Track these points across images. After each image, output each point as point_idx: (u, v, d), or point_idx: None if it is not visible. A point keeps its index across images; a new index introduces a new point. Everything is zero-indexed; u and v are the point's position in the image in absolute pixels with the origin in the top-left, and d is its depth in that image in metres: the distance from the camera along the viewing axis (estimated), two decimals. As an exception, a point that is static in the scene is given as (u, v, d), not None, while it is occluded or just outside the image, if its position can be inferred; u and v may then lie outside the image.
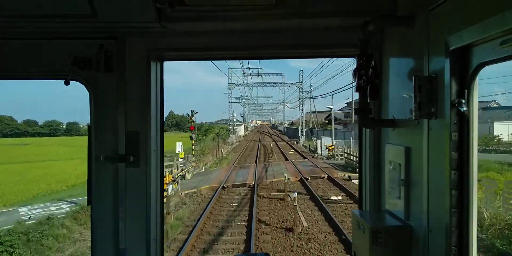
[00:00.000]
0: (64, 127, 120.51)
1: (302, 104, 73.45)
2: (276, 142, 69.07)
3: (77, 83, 2.62)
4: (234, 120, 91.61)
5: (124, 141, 2.58)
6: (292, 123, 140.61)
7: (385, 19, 2.18)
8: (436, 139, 1.82)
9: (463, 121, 1.66)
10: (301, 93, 73.38)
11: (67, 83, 2.51)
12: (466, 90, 1.65)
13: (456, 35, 1.63)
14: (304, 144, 63.45)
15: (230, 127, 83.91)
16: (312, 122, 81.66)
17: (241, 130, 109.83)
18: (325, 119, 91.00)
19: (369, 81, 2.27)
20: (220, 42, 2.67)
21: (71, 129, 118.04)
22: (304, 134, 70.72)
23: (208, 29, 2.61)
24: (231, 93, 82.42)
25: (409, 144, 2.12)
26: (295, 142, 70.29)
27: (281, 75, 75.00)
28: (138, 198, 2.61)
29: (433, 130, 1.85)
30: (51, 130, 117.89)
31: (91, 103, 2.61)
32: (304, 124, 72.09)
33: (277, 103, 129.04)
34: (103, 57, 2.53)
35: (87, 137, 2.63)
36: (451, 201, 1.68)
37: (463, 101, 1.64)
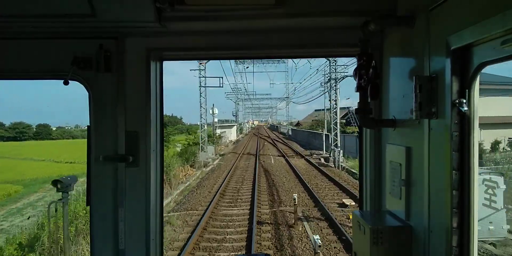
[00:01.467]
0: (33, 130, 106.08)
1: (335, 89, 35.45)
2: (287, 159, 34.45)
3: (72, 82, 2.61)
4: (216, 120, 51.65)
5: (124, 141, 2.58)
6: (298, 124, 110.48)
7: (385, 19, 2.18)
8: (437, 139, 1.82)
9: (464, 121, 1.66)
10: (333, 70, 34.90)
11: (66, 83, 2.50)
12: (467, 90, 1.64)
13: (457, 35, 1.62)
14: (348, 167, 28.24)
15: (206, 133, 39.60)
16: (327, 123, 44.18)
17: (231, 134, 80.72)
18: (342, 118, 53.46)
19: (370, 81, 2.27)
20: (220, 42, 2.67)
21: (41, 132, 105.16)
22: (335, 144, 33.35)
23: (208, 29, 2.61)
24: (204, 70, 38.16)
25: (409, 144, 2.11)
26: (321, 160, 33.79)
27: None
28: (138, 199, 2.61)
29: (433, 130, 1.85)
30: (17, 133, 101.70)
31: (91, 103, 2.61)
32: (338, 124, 35.44)
33: (279, 98, 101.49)
34: (102, 57, 2.53)
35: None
36: (452, 201, 1.67)
37: (464, 101, 1.64)
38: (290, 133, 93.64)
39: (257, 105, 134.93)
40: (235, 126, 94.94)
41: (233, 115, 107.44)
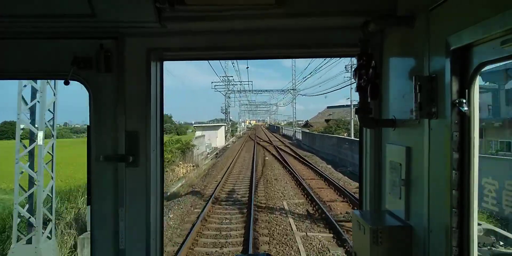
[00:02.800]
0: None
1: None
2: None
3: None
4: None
5: (124, 141, 2.58)
6: (306, 125, 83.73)
7: (385, 19, 2.18)
8: (437, 139, 1.82)
9: (464, 121, 1.66)
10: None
11: (66, 83, 2.50)
12: (466, 90, 1.65)
13: (457, 35, 1.63)
14: None
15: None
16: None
17: (217, 138, 54.68)
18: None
19: (370, 81, 2.27)
20: (219, 42, 2.67)
21: (7, 131, 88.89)
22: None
23: (208, 29, 2.61)
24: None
25: (409, 144, 2.12)
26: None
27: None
28: (138, 198, 2.61)
29: (433, 130, 1.85)
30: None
31: (91, 103, 2.61)
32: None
33: (283, 91, 77.55)
34: (103, 57, 2.53)
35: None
36: (451, 201, 1.68)
37: (464, 101, 1.64)
38: (299, 137, 62.06)
39: (254, 102, 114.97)
40: (223, 127, 64.87)
41: (222, 112, 77.85)
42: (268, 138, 73.35)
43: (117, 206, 2.58)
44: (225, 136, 66.02)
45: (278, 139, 74.14)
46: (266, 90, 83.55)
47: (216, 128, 58.36)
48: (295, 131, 70.15)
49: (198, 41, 2.66)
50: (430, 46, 1.88)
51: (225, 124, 73.02)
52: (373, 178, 2.62)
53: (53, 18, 2.36)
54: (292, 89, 68.45)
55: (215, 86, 70.26)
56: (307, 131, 62.00)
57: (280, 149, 44.79)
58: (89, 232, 2.62)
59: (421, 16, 1.97)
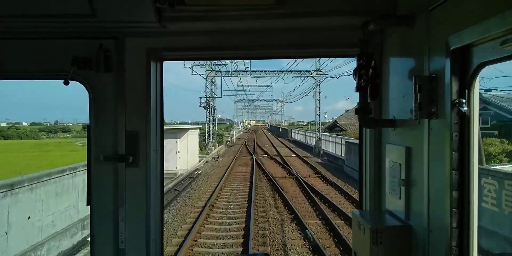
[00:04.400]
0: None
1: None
2: None
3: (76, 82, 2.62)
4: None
5: (124, 141, 2.58)
6: (334, 127, 54.73)
7: (385, 19, 2.18)
8: (437, 139, 1.82)
9: (464, 121, 1.66)
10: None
11: (66, 83, 2.50)
12: (466, 90, 1.65)
13: (457, 35, 1.63)
14: None
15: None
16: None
17: (178, 154, 25.76)
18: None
19: (370, 81, 2.27)
20: (219, 42, 2.68)
21: None
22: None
23: (207, 29, 2.61)
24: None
25: (409, 144, 2.12)
26: None
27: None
28: (138, 198, 2.61)
29: (433, 130, 1.85)
30: None
31: (91, 103, 2.61)
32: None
33: (300, 73, 45.04)
34: (102, 57, 2.53)
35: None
36: (451, 201, 1.68)
37: (464, 101, 1.65)
38: (334, 151, 34.03)
39: (254, 96, 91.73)
40: (196, 131, 37.01)
41: (201, 106, 48.30)
42: (275, 150, 45.64)
43: (117, 206, 2.58)
44: (205, 146, 43.11)
45: (291, 151, 44.86)
46: (272, 71, 47.95)
47: (179, 133, 28.55)
48: (319, 138, 41.62)
49: (198, 41, 2.66)
50: (430, 46, 1.88)
51: (198, 127, 41.77)
52: (373, 178, 2.62)
53: (53, 18, 2.36)
54: (315, 70, 41.54)
55: (192, 65, 42.99)
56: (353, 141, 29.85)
57: (320, 197, 18.19)
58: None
59: (421, 16, 1.97)
